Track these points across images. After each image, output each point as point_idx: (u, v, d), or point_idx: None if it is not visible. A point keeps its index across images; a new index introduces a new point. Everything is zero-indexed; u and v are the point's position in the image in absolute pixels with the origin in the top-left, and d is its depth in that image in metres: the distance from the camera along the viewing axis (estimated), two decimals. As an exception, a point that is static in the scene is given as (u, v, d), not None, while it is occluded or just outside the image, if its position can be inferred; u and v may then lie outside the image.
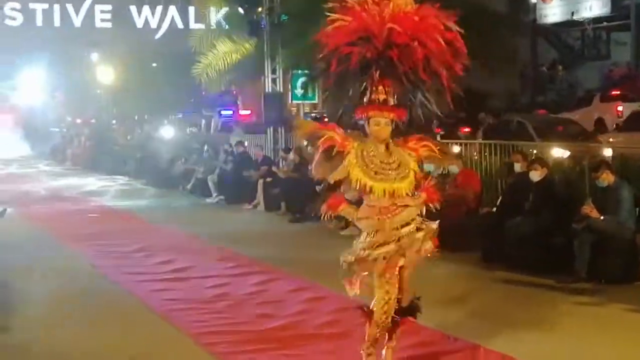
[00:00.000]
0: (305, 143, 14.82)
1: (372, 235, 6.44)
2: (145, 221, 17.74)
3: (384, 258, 6.40)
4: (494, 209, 12.85)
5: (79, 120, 46.74)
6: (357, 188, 6.42)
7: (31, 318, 9.33)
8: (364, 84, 6.41)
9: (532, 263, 10.99)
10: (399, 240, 6.43)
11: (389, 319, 6.54)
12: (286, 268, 11.61)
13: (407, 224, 6.49)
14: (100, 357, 7.90)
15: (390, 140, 6.51)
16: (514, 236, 11.33)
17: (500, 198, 13.05)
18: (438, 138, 6.81)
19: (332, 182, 6.56)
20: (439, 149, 6.67)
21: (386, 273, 6.45)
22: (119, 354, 7.96)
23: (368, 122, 6.44)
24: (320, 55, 6.50)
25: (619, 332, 8.40)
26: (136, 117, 43.15)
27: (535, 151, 14.90)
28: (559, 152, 14.57)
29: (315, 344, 8.02)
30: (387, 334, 6.70)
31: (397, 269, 6.51)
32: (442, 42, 6.25)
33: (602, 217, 10.51)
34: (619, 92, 30.38)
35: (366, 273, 6.49)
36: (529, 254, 11.08)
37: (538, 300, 9.75)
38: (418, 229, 6.55)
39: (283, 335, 8.37)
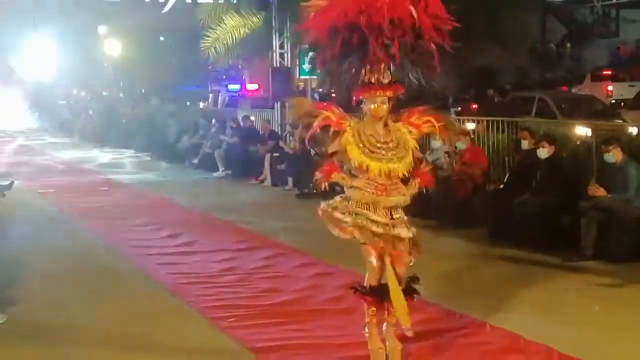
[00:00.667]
0: (294, 124, 14.80)
1: (362, 207, 6.45)
2: (152, 195, 17.76)
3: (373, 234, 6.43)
4: (501, 186, 12.84)
5: (83, 94, 46.68)
6: (354, 166, 6.45)
7: (38, 292, 9.35)
8: (359, 65, 6.43)
9: (538, 241, 10.98)
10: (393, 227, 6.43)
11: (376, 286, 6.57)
12: (293, 243, 11.64)
13: (401, 219, 6.50)
14: (107, 331, 7.92)
15: (390, 118, 6.52)
16: (521, 214, 11.31)
17: (507, 175, 13.04)
18: (453, 114, 6.71)
19: (329, 152, 6.58)
20: (443, 124, 6.66)
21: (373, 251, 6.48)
22: (126, 328, 7.99)
23: (364, 103, 6.46)
24: (311, 37, 6.54)
25: (625, 310, 8.40)
26: (143, 91, 43.10)
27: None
28: (581, 131, 14.49)
29: (321, 319, 8.05)
30: (386, 311, 6.71)
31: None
32: (430, 19, 6.28)
33: (608, 196, 10.51)
34: (610, 72, 30.98)
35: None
36: (535, 231, 11.07)
37: (544, 278, 9.75)
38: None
39: (289, 310, 8.41)
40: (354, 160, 6.41)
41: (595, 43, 39.79)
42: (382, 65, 6.41)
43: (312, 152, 14.24)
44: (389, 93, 6.41)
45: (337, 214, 6.53)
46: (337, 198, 6.66)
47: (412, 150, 6.50)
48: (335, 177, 6.54)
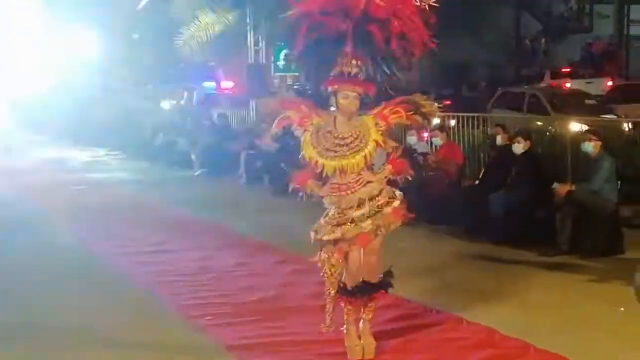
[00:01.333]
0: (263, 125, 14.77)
1: (333, 213, 6.48)
2: (128, 194, 17.70)
3: (339, 240, 6.45)
4: (477, 182, 12.88)
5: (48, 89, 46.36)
6: (309, 164, 6.47)
7: (8, 291, 9.29)
8: (335, 56, 6.42)
9: (514, 236, 11.03)
10: (352, 221, 6.45)
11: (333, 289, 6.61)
12: (269, 241, 11.63)
13: (371, 199, 6.50)
14: (83, 330, 7.87)
15: (356, 113, 6.52)
16: (497, 209, 11.36)
17: (482, 171, 13.08)
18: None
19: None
20: (413, 110, 6.62)
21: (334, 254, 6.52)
22: (102, 327, 7.95)
23: (336, 95, 6.45)
24: (290, 16, 6.49)
25: (601, 305, 8.44)
26: (117, 89, 42.88)
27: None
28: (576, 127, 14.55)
29: (298, 316, 8.04)
30: (361, 307, 6.74)
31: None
32: (418, 18, 6.28)
33: (573, 187, 10.55)
34: (568, 70, 32.83)
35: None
36: (511, 227, 11.13)
37: (521, 273, 9.79)
38: (389, 202, 6.55)
39: (267, 308, 8.40)
40: (308, 158, 6.43)
41: (570, 39, 39.98)
42: (362, 61, 6.39)
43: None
44: (360, 89, 6.40)
45: (325, 238, 6.53)
46: (321, 221, 6.66)
47: (374, 141, 6.46)
48: (309, 186, 6.57)
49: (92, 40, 38.93)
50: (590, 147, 10.71)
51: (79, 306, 8.69)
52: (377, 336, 6.94)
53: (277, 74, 24.73)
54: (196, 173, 20.93)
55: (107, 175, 21.23)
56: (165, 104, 33.71)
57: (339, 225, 6.45)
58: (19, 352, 7.28)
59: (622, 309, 6.85)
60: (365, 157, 6.42)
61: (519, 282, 9.35)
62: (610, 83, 28.95)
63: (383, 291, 6.82)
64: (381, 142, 6.49)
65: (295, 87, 30.90)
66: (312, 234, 6.66)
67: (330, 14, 6.30)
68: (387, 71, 6.46)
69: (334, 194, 6.49)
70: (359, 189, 6.49)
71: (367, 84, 6.43)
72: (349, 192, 6.46)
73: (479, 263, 10.41)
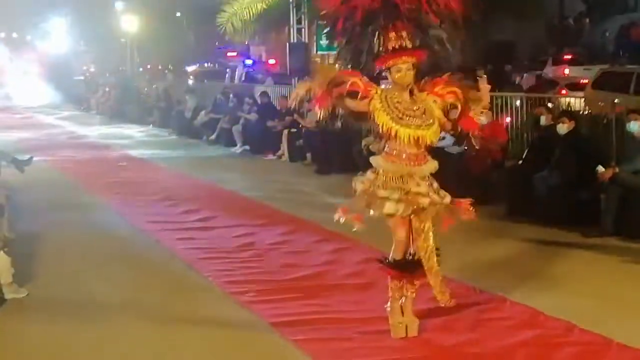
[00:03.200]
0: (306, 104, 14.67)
1: (399, 181, 6.44)
2: (171, 170, 17.79)
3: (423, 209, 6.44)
4: (520, 162, 12.78)
5: (93, 69, 46.76)
6: (384, 132, 6.42)
7: (55, 267, 9.38)
8: (375, 35, 6.41)
9: (558, 217, 10.95)
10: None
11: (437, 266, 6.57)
12: (311, 218, 11.63)
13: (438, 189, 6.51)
14: (125, 305, 7.94)
15: (415, 87, 6.50)
16: (541, 189, 11.28)
17: (526, 151, 12.97)
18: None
19: (352, 107, 6.53)
20: (468, 95, 6.61)
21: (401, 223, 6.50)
22: (144, 302, 8.02)
23: (390, 71, 6.42)
24: (325, 14, 6.51)
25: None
26: (160, 67, 43.14)
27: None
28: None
29: (340, 295, 8.05)
30: (407, 284, 6.74)
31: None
32: None
33: (617, 169, 10.43)
34: (570, 56, 33.25)
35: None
36: (555, 207, 11.04)
37: (564, 254, 9.72)
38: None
39: (308, 285, 8.41)
40: (382, 125, 6.38)
41: (614, 18, 39.50)
42: (403, 31, 6.37)
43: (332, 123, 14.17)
44: (413, 59, 6.38)
45: (381, 192, 6.49)
46: (369, 174, 6.63)
47: (438, 119, 6.48)
48: (335, 101, 6.45)
49: (134, 19, 39.09)
50: (636, 126, 10.58)
51: (123, 282, 8.78)
52: (420, 314, 6.94)
53: (319, 52, 24.65)
54: (238, 150, 21.00)
55: (150, 152, 21.32)
56: (207, 82, 33.85)
57: (400, 200, 6.41)
58: (64, 327, 7.34)
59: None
60: (436, 132, 6.43)
61: (562, 264, 9.29)
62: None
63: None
64: (443, 120, 6.50)
65: (337, 65, 30.84)
66: (361, 184, 6.62)
67: None
68: (431, 35, 6.44)
69: (403, 162, 6.44)
70: (426, 162, 6.49)
71: (416, 52, 6.40)
72: (417, 163, 6.44)
73: (522, 244, 10.34)
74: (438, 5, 6.36)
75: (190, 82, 34.16)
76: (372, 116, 6.43)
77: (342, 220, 6.63)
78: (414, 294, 6.82)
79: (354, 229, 6.63)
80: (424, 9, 6.32)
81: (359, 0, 6.33)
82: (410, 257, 6.69)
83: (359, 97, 6.43)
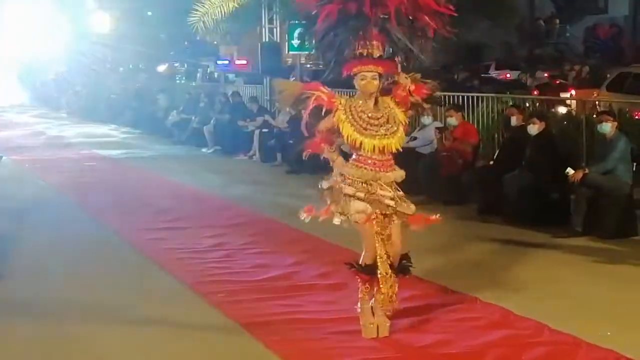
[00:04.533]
0: (288, 109, 14.74)
1: (360, 183, 6.46)
2: (142, 170, 17.73)
3: (369, 214, 6.44)
4: (491, 163, 12.84)
5: (64, 68, 46.44)
6: (348, 143, 6.45)
7: (26, 267, 9.34)
8: (349, 39, 6.41)
9: (528, 217, 11.00)
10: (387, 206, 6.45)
11: (392, 273, 6.58)
12: (282, 219, 11.62)
13: (401, 197, 6.52)
14: (96, 305, 7.90)
15: (379, 95, 6.51)
16: (511, 190, 11.33)
17: (497, 152, 13.03)
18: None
19: (320, 129, 6.57)
20: (428, 92, 6.62)
21: (388, 229, 6.50)
22: (115, 302, 7.98)
23: (355, 78, 6.44)
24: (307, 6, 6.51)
25: (614, 286, 8.41)
26: (131, 66, 42.91)
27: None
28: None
29: (311, 295, 8.05)
30: (377, 286, 6.74)
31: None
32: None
33: (587, 170, 10.49)
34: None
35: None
36: (525, 207, 11.10)
37: (534, 254, 9.76)
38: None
39: (280, 286, 8.41)
40: (347, 137, 6.41)
41: (584, 19, 39.72)
42: (377, 41, 6.37)
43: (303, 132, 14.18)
44: (380, 69, 6.38)
45: (347, 189, 6.50)
46: (336, 174, 6.65)
47: (402, 122, 6.50)
48: (327, 151, 6.54)
49: (105, 18, 38.86)
50: (608, 127, 10.65)
51: (91, 282, 8.74)
52: (391, 315, 6.93)
53: (291, 52, 24.58)
54: (209, 151, 20.95)
55: (120, 151, 21.24)
56: (179, 81, 33.74)
57: (367, 200, 6.43)
58: (33, 328, 7.29)
59: (609, 333, 6.84)
60: (401, 139, 6.44)
61: (532, 264, 9.33)
62: (546, 74, 28.41)
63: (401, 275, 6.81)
64: (406, 125, 6.52)
65: (308, 66, 30.83)
66: (328, 182, 6.67)
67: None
68: (407, 48, 6.43)
69: (370, 168, 6.45)
70: (390, 170, 6.50)
71: (385, 63, 6.41)
72: (382, 169, 6.45)
73: (493, 244, 10.37)
74: (409, 18, 6.35)
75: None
76: (337, 127, 6.45)
77: (306, 219, 6.66)
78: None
79: (320, 219, 6.64)
80: (393, 21, 6.30)
81: (333, 4, 6.32)
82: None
83: (323, 111, 6.46)
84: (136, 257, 9.85)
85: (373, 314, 6.76)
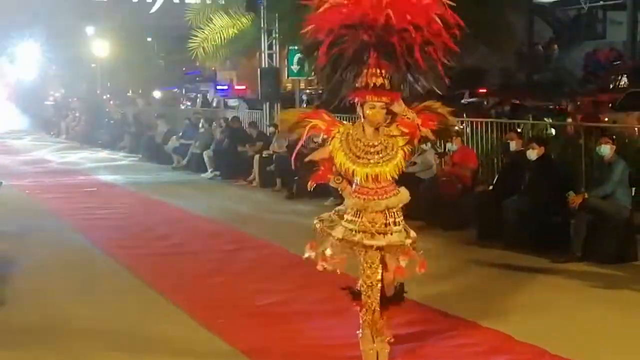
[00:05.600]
0: (287, 138, 14.78)
1: (354, 215, 6.46)
2: (142, 196, 17.72)
3: (363, 246, 6.43)
4: (490, 188, 12.85)
5: (61, 92, 46.60)
6: (342, 172, 6.46)
7: (26, 292, 9.33)
8: (360, 68, 6.40)
9: (527, 242, 11.01)
10: (383, 235, 6.44)
11: (375, 303, 6.56)
12: (282, 244, 11.61)
13: (395, 221, 6.50)
14: (96, 331, 7.90)
15: (384, 121, 6.50)
16: (510, 215, 11.34)
17: (496, 176, 13.04)
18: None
19: (314, 159, 6.59)
20: (436, 124, 6.63)
21: (367, 258, 6.48)
22: (115, 328, 7.98)
23: (362, 106, 6.43)
24: (311, 36, 6.49)
25: (614, 311, 8.41)
26: (130, 92, 43.07)
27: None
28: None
29: (311, 320, 8.05)
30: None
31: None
32: (439, 22, 6.23)
33: (586, 195, 10.51)
34: (484, 90, 32.52)
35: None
36: (524, 232, 11.10)
37: (534, 279, 9.76)
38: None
39: (280, 311, 8.41)
40: (340, 164, 6.41)
41: (583, 45, 39.89)
42: (386, 71, 6.35)
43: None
44: (388, 100, 6.37)
45: (331, 231, 6.52)
46: (328, 214, 6.68)
47: (401, 151, 6.47)
48: (334, 181, 6.55)
49: (105, 44, 39.01)
50: (607, 149, 10.68)
51: (91, 307, 8.73)
52: (391, 340, 6.92)
53: (290, 77, 24.68)
54: (209, 176, 20.95)
55: (120, 177, 21.21)
56: (178, 106, 33.85)
57: (360, 231, 6.43)
58: (34, 353, 7.30)
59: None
60: (397, 165, 6.42)
61: (532, 288, 9.33)
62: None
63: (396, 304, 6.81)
64: (408, 153, 6.51)
65: (307, 91, 30.92)
66: (317, 224, 6.65)
67: (352, 27, 6.29)
68: (413, 80, 6.44)
69: (361, 197, 6.46)
70: (387, 197, 6.47)
71: (392, 94, 6.39)
72: (375, 197, 6.44)
73: (492, 269, 10.38)
74: (429, 54, 6.35)
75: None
76: (331, 155, 6.47)
77: (311, 256, 6.65)
78: (383, 323, 6.81)
79: (318, 268, 6.64)
80: (417, 55, 6.28)
81: (356, 31, 6.31)
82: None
83: (320, 139, 6.49)
84: (135, 283, 9.84)
85: (373, 340, 6.74)
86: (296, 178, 15.51)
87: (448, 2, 6.27)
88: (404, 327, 7.35)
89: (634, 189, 10.81)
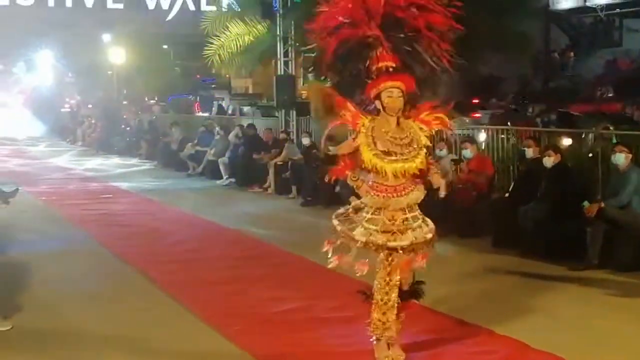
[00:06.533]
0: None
1: (375, 213, 6.47)
2: (157, 202, 17.75)
3: (388, 248, 6.44)
4: (506, 195, 12.82)
5: (76, 100, 46.74)
6: (368, 167, 6.45)
7: (42, 299, 9.35)
8: (370, 60, 6.43)
9: (543, 249, 10.98)
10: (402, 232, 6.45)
11: (392, 301, 6.57)
12: (297, 251, 11.62)
13: (414, 217, 6.50)
14: (112, 337, 7.92)
15: (401, 115, 6.51)
16: (526, 222, 11.31)
17: (512, 184, 13.01)
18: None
19: (338, 153, 6.60)
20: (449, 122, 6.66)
21: (390, 258, 6.49)
22: (131, 334, 7.99)
23: (380, 96, 6.43)
24: (317, 37, 6.54)
25: (631, 320, 8.38)
26: (146, 99, 43.17)
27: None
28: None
29: (326, 328, 8.02)
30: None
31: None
32: (440, 7, 6.32)
33: (602, 204, 10.47)
34: (477, 101, 31.20)
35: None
36: (540, 240, 11.07)
37: (550, 287, 9.73)
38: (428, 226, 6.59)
39: (296, 318, 8.40)
40: (368, 161, 6.40)
41: (599, 52, 39.76)
42: (395, 57, 6.39)
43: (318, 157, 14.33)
44: (403, 85, 6.38)
45: (351, 233, 6.53)
46: (349, 208, 6.69)
47: (425, 146, 6.50)
48: (350, 176, 6.52)
49: (121, 51, 39.13)
50: (622, 158, 10.65)
51: (106, 314, 8.76)
52: (406, 348, 6.93)
53: (306, 85, 24.69)
54: (224, 183, 20.98)
55: (136, 184, 21.26)
56: (195, 114, 33.93)
57: (382, 232, 6.43)
58: (46, 357, 7.31)
59: None
60: (422, 162, 6.43)
61: (547, 296, 9.30)
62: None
63: (413, 300, 6.81)
64: (429, 149, 6.53)
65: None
66: (336, 223, 6.68)
67: (356, 22, 6.34)
68: (426, 60, 6.47)
69: (381, 195, 6.46)
70: (407, 193, 6.47)
71: (406, 77, 6.41)
72: (394, 195, 6.44)
73: (508, 276, 10.35)
74: (435, 42, 6.39)
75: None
76: (358, 150, 6.46)
77: (329, 252, 6.66)
78: (399, 327, 6.81)
79: (329, 266, 6.66)
80: (425, 41, 6.33)
81: (358, 26, 6.36)
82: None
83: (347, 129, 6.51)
84: (151, 289, 9.85)
85: (389, 347, 6.74)
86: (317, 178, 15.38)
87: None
88: (419, 334, 7.34)
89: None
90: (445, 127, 6.66)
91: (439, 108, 6.60)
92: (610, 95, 29.07)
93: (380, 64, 6.40)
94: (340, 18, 6.39)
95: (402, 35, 6.33)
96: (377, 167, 6.39)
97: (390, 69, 6.39)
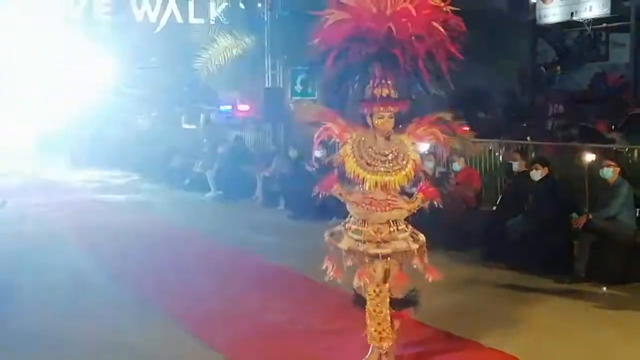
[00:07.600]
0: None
1: (360, 225, 6.51)
2: (145, 215, 17.69)
3: (369, 255, 6.47)
4: (494, 208, 12.84)
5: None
6: (351, 177, 6.49)
7: (29, 311, 9.35)
8: (365, 80, 6.46)
9: (531, 262, 10.98)
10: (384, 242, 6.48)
11: (383, 312, 6.59)
12: (285, 263, 11.61)
13: (398, 229, 6.53)
14: (98, 348, 7.91)
15: (394, 131, 6.55)
16: (514, 235, 11.33)
17: (500, 197, 13.03)
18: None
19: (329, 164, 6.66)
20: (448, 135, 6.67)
21: (374, 267, 6.52)
22: (118, 344, 7.99)
23: (371, 116, 6.48)
24: (317, 51, 6.55)
25: (618, 333, 8.39)
26: (134, 112, 43.06)
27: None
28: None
29: (316, 338, 8.04)
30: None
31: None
32: (442, 31, 6.29)
33: (590, 216, 10.51)
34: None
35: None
36: (528, 253, 11.08)
37: (537, 299, 9.75)
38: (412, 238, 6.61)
39: (283, 330, 8.41)
40: (350, 171, 6.46)
41: (585, 66, 39.91)
42: (392, 81, 6.42)
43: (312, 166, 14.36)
44: (396, 109, 6.43)
45: (337, 244, 6.58)
46: (340, 227, 6.73)
47: (413, 161, 6.52)
48: (335, 190, 6.57)
49: (108, 63, 39.05)
50: (610, 172, 10.69)
51: (93, 325, 8.73)
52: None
53: (294, 98, 24.72)
54: (212, 195, 20.93)
55: (123, 196, 21.21)
56: (182, 126, 33.83)
57: (366, 241, 6.48)
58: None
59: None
60: (406, 175, 6.46)
61: (535, 309, 9.32)
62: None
63: (408, 309, 6.83)
64: (418, 162, 6.55)
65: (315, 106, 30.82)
66: (327, 237, 6.76)
67: (355, 40, 6.35)
68: (420, 87, 6.49)
69: (365, 207, 6.50)
70: (391, 210, 6.50)
71: (399, 103, 6.46)
72: (379, 209, 6.47)
73: (496, 289, 10.36)
74: (433, 63, 6.40)
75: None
76: (342, 161, 6.51)
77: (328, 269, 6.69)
78: (394, 335, 6.82)
79: (326, 279, 6.71)
80: (420, 65, 6.34)
81: (357, 45, 6.37)
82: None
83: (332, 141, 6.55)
84: (138, 300, 9.84)
85: (380, 357, 6.74)
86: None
87: (449, 8, 6.36)
88: (408, 347, 7.33)
89: (638, 210, 10.81)
90: (439, 142, 6.67)
91: (440, 123, 6.60)
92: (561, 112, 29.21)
93: (374, 91, 6.44)
94: (342, 36, 6.40)
95: (401, 60, 6.32)
96: (359, 177, 6.44)
97: (384, 96, 6.43)
